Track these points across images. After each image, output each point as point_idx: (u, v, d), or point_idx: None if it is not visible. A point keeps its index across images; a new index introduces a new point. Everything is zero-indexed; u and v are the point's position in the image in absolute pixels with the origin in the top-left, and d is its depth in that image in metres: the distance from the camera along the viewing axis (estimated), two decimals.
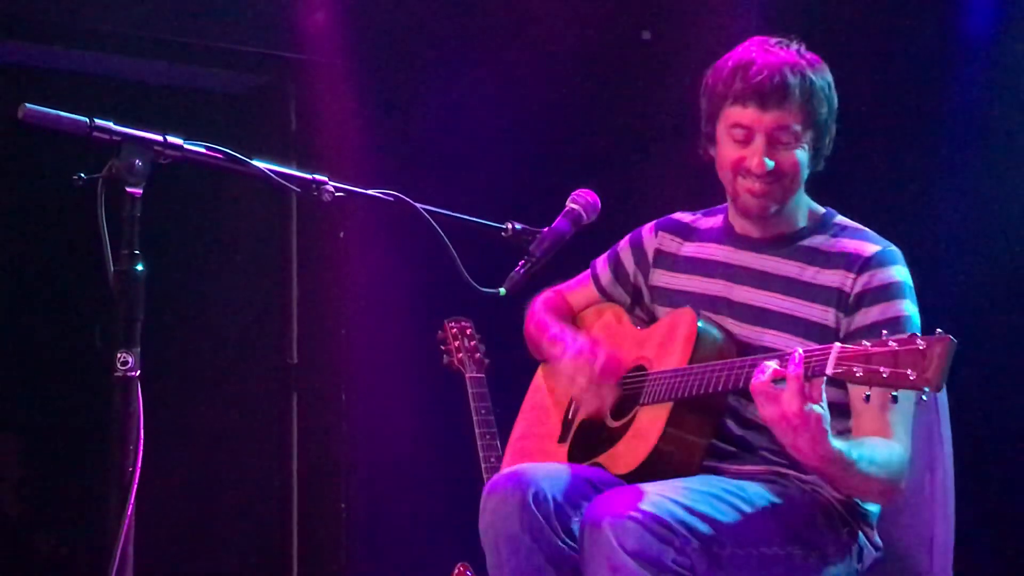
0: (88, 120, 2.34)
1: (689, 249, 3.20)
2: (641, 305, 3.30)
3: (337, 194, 2.63)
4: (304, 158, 5.57)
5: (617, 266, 3.35)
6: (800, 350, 2.59)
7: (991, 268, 4.23)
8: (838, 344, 2.53)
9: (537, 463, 3.08)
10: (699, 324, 3.00)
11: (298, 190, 2.61)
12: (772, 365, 2.62)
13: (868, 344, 2.47)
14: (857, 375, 2.47)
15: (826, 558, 2.88)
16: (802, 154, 2.96)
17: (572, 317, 3.45)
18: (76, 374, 5.50)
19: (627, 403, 3.08)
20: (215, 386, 5.85)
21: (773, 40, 3.02)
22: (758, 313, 3.01)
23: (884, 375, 2.43)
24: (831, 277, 2.96)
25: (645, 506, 2.70)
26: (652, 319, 3.24)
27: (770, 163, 2.94)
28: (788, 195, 3.00)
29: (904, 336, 2.46)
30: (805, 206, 3.08)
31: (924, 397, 2.45)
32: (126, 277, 2.33)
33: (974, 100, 4.34)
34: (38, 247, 5.60)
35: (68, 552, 5.60)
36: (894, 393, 2.47)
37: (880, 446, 2.79)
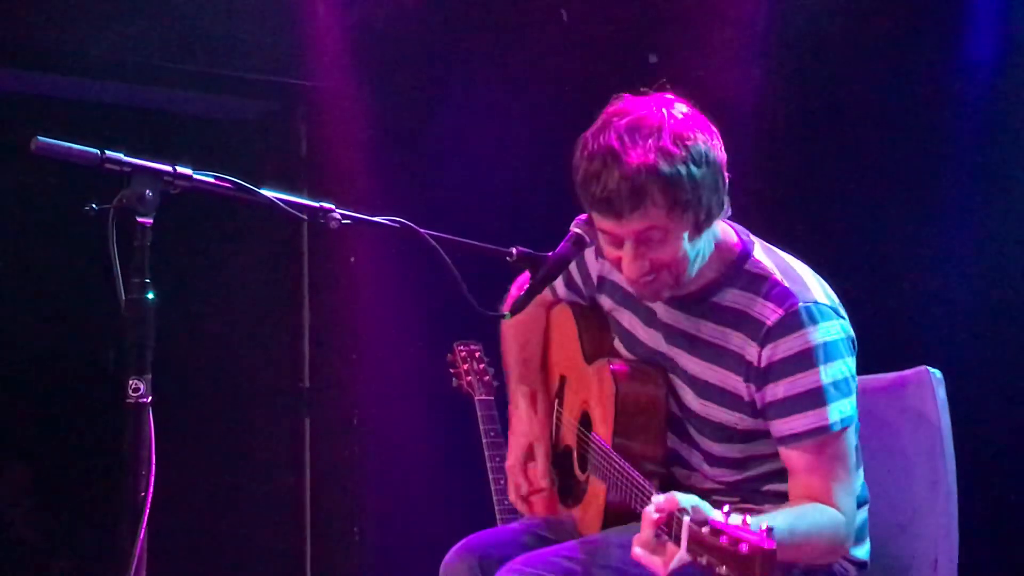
0: (99, 152, 2.37)
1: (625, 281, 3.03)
2: (598, 309, 3.23)
3: (344, 221, 2.66)
4: (314, 184, 5.61)
5: (574, 287, 3.28)
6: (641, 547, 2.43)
7: (993, 288, 4.24)
8: (687, 522, 2.32)
9: (489, 530, 3.23)
10: (616, 398, 2.93)
11: (305, 218, 2.64)
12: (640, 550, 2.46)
13: (706, 531, 2.28)
14: (701, 563, 2.30)
15: None
16: (680, 241, 2.74)
17: (543, 316, 3.43)
18: (89, 400, 5.53)
19: (586, 460, 3.12)
20: (228, 411, 5.88)
21: (631, 111, 2.77)
22: (689, 379, 2.93)
23: (720, 572, 2.25)
24: (739, 342, 2.81)
25: (539, 570, 2.78)
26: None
27: (644, 265, 2.76)
28: (680, 278, 2.80)
29: (741, 528, 2.25)
30: (711, 253, 2.84)
31: None
32: (137, 305, 2.36)
33: (975, 123, 4.35)
34: (50, 275, 5.63)
35: (83, 575, 5.62)
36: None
37: (808, 513, 2.70)
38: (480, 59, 5.40)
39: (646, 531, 2.41)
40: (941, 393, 3.25)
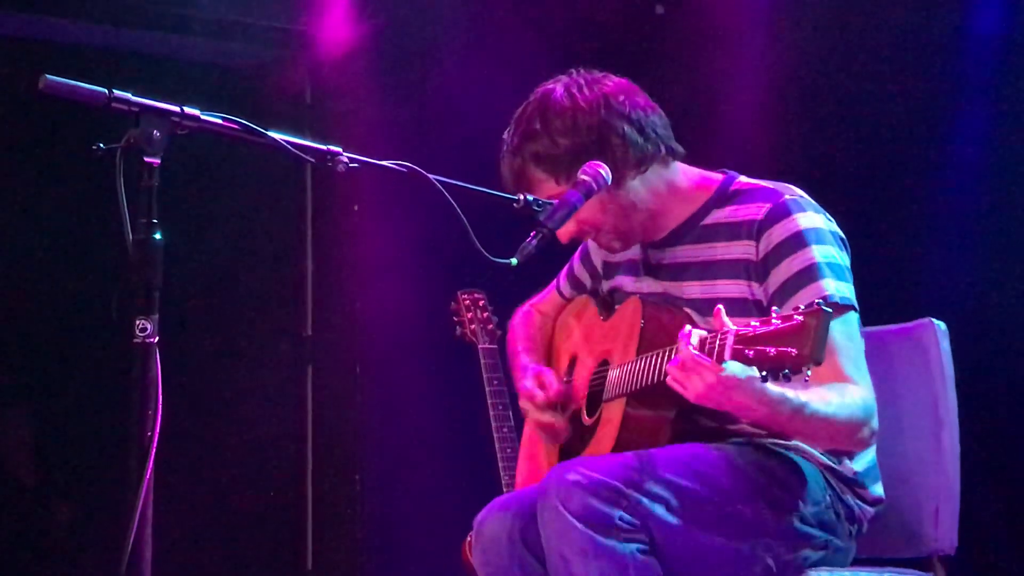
0: (107, 91, 2.36)
1: (626, 253, 3.23)
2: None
3: (351, 165, 2.64)
4: (318, 133, 5.59)
5: (577, 284, 3.47)
6: (695, 340, 2.56)
7: (1000, 241, 4.23)
8: (733, 328, 2.49)
9: (525, 488, 3.17)
10: (641, 313, 3.02)
11: (313, 161, 2.63)
12: (689, 347, 2.58)
13: (756, 324, 2.45)
14: (749, 356, 2.43)
15: (804, 519, 2.89)
16: (586, 205, 2.92)
17: (550, 326, 3.57)
18: (90, 344, 5.54)
19: (597, 400, 3.14)
20: (230, 358, 5.88)
21: (516, 115, 3.09)
22: (691, 305, 3.02)
23: (771, 354, 2.39)
24: (737, 250, 2.96)
25: (590, 471, 2.75)
26: None
27: (570, 228, 3.01)
28: (618, 232, 3.07)
29: (786, 312, 2.43)
30: (689, 187, 3.08)
31: (808, 373, 2.41)
32: (145, 246, 2.35)
33: (982, 98, 4.31)
34: (55, 217, 5.62)
35: (86, 520, 5.64)
36: (784, 372, 2.42)
37: (835, 388, 2.76)
38: (486, 6, 5.38)
39: (685, 348, 2.55)
40: (945, 344, 3.27)
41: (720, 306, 2.55)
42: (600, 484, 2.72)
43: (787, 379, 2.45)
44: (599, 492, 2.71)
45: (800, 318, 2.38)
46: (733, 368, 2.50)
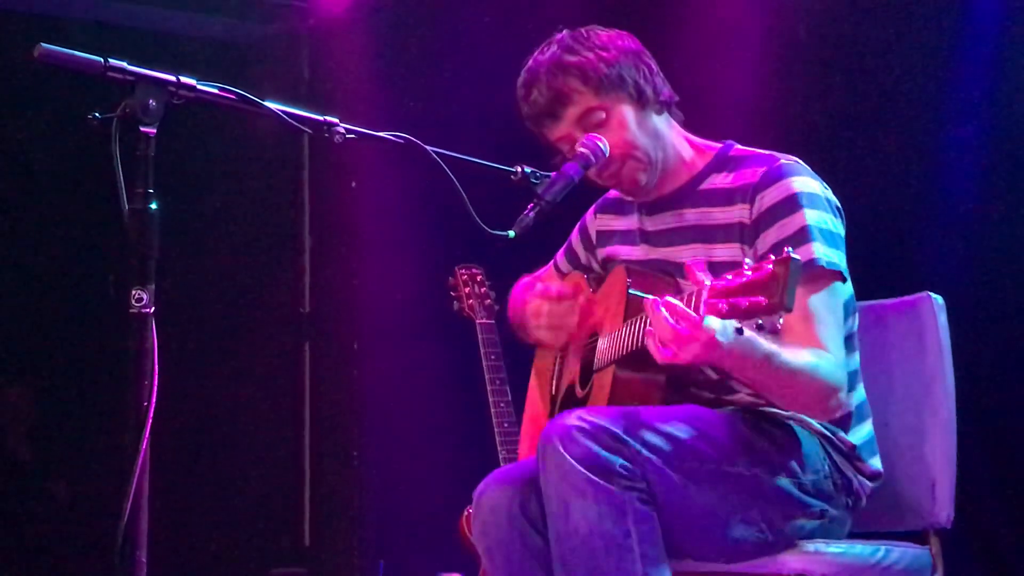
0: (103, 60, 2.36)
1: (622, 223, 3.24)
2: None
3: (348, 136, 2.65)
4: (316, 107, 5.57)
5: (573, 257, 3.45)
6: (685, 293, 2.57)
7: (998, 214, 4.22)
8: (707, 282, 2.50)
9: (524, 460, 3.17)
10: (628, 280, 3.02)
11: (310, 131, 2.63)
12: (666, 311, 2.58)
13: (730, 277, 2.45)
14: (723, 309, 2.43)
15: (802, 487, 2.89)
16: (625, 117, 2.98)
17: None
18: (87, 319, 5.54)
19: (589, 371, 3.14)
20: (228, 335, 5.89)
21: (542, 48, 3.08)
22: (679, 269, 3.00)
23: (744, 305, 2.40)
24: (732, 213, 2.98)
25: (593, 419, 2.75)
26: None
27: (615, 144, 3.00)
28: (645, 162, 3.03)
29: (757, 263, 2.43)
30: (691, 150, 3.11)
31: (779, 322, 2.41)
32: (141, 215, 2.34)
33: (983, 69, 4.29)
34: (50, 190, 5.61)
35: (83, 495, 5.65)
36: (759, 322, 2.43)
37: (806, 350, 2.77)
38: None
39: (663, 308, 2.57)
40: (942, 318, 3.26)
41: (688, 262, 2.57)
42: (601, 430, 2.72)
43: (761, 328, 2.45)
44: (600, 438, 2.71)
45: (770, 267, 2.38)
46: (711, 322, 2.51)
